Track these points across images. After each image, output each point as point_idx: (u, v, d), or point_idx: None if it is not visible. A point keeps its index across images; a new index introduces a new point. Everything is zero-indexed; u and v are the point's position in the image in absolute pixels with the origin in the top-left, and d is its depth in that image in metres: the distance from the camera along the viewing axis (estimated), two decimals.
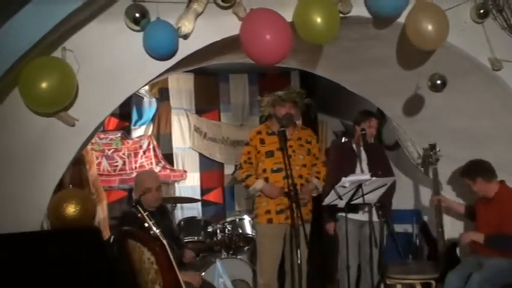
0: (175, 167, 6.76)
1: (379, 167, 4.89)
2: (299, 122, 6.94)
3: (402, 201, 6.21)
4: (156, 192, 4.24)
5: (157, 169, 6.58)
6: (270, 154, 4.67)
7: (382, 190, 4.48)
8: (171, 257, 3.06)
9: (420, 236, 6.23)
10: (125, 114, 6.55)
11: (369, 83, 5.03)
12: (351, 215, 4.89)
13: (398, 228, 6.37)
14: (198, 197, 6.78)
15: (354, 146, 5.06)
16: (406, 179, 6.28)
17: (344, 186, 4.25)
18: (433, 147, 5.00)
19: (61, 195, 3.51)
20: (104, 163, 6.34)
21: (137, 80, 3.41)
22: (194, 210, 6.71)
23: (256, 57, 3.32)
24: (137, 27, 3.25)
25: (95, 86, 3.36)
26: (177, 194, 6.72)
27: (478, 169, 4.63)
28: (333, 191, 4.31)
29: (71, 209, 3.36)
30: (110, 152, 6.41)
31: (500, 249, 4.45)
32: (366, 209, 4.83)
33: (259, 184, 4.65)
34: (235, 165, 6.63)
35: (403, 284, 4.92)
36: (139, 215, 3.17)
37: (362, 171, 4.84)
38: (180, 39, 3.33)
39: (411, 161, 5.66)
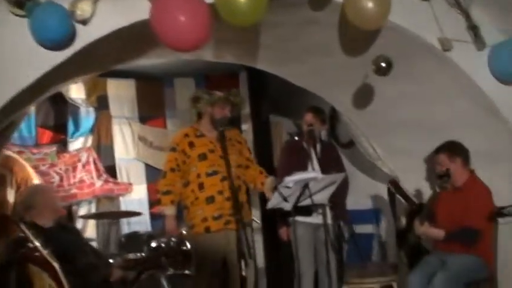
0: (119, 180, 6.31)
1: (331, 166, 4.57)
2: (248, 125, 6.65)
3: (361, 200, 5.93)
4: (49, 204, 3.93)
5: (99, 183, 6.15)
6: (202, 157, 4.27)
7: (331, 189, 4.10)
8: (63, 280, 2.61)
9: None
10: (60, 125, 6.12)
11: (313, 74, 4.67)
12: (304, 218, 4.58)
13: (359, 229, 6.06)
14: (146, 210, 6.34)
15: (305, 144, 4.70)
16: (363, 177, 5.95)
17: (288, 187, 3.86)
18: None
19: None
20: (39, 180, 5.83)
21: (28, 73, 2.94)
22: (142, 225, 6.28)
23: (170, 42, 2.91)
24: (22, 12, 2.80)
25: None
26: (123, 209, 6.28)
27: (462, 149, 4.25)
28: (276, 193, 3.91)
29: None
30: (45, 168, 5.93)
31: (460, 243, 4.11)
32: (320, 210, 4.46)
33: (169, 211, 4.26)
34: None
35: None
36: (21, 234, 2.72)
37: (314, 170, 4.48)
38: (79, 26, 2.89)
39: (367, 158, 5.32)
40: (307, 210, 4.39)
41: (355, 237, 5.95)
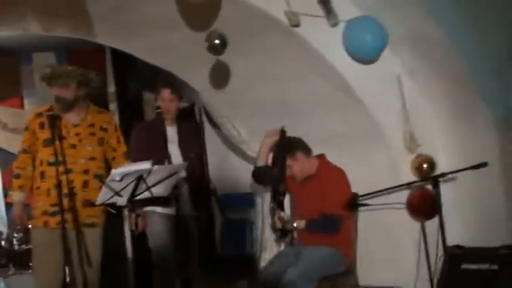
0: None
1: (192, 149, 4.13)
2: (114, 105, 6.09)
3: (237, 184, 5.57)
4: None
5: None
6: (48, 142, 3.75)
7: (173, 180, 3.65)
8: None
9: None
10: None
11: (161, 50, 4.22)
12: (159, 209, 4.12)
13: (235, 215, 5.73)
14: (1, 199, 5.71)
15: (168, 126, 4.15)
16: (238, 159, 5.59)
17: (116, 180, 3.39)
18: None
19: None
20: None
21: None
22: None
23: None
24: None
25: None
26: None
27: (295, 142, 3.91)
28: (104, 187, 3.43)
29: None
30: None
31: (323, 232, 3.82)
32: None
33: (15, 197, 3.82)
34: None
35: None
36: None
37: (169, 154, 4.00)
38: None
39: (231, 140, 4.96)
40: (162, 200, 3.95)
41: (229, 224, 5.66)
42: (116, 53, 5.92)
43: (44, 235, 3.75)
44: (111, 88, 5.94)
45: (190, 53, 4.13)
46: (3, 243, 4.65)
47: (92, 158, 3.84)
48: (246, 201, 5.65)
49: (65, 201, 3.60)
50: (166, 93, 4.16)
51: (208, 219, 5.95)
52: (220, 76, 4.24)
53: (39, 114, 3.88)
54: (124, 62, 5.91)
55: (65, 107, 3.80)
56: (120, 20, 3.85)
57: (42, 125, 3.82)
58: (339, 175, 3.90)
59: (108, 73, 6.01)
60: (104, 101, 6.13)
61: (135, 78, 6.07)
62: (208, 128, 5.75)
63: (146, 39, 4.08)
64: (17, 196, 3.81)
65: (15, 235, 4.64)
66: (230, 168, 5.51)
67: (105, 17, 3.79)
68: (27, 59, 6.00)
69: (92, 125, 3.90)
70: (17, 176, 3.83)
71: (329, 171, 3.91)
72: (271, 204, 4.07)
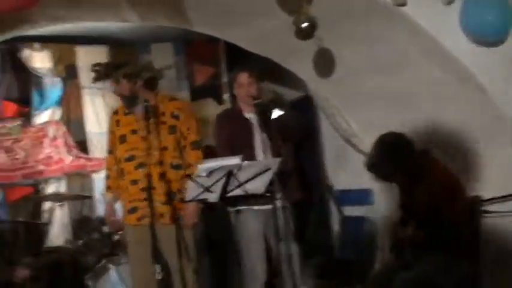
0: (91, 155, 5.85)
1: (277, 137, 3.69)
2: (227, 96, 5.94)
3: (356, 179, 5.21)
4: None
5: (68, 159, 5.69)
6: (122, 139, 3.70)
7: (268, 175, 3.37)
8: None
9: None
10: (25, 98, 5.66)
11: (263, 38, 3.99)
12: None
13: (353, 212, 5.40)
14: None
15: (247, 114, 3.78)
16: (355, 152, 5.20)
17: (205, 176, 3.22)
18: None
19: None
20: (3, 157, 5.49)
21: None
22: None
23: None
24: None
25: None
26: (97, 186, 5.82)
27: (408, 150, 3.31)
28: (191, 183, 3.27)
29: None
30: (9, 143, 5.54)
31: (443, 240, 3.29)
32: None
33: (106, 197, 3.84)
34: None
35: None
36: None
37: (262, 145, 3.70)
38: None
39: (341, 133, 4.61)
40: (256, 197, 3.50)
41: (346, 222, 5.37)
42: (229, 43, 5.84)
43: (131, 232, 3.73)
44: (225, 78, 5.89)
45: (291, 40, 3.82)
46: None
47: (164, 148, 3.61)
48: (365, 197, 5.29)
49: (143, 196, 3.51)
50: (244, 77, 3.76)
51: (322, 217, 5.69)
52: (324, 64, 3.90)
53: (115, 113, 3.82)
54: (237, 53, 5.79)
55: (128, 103, 3.65)
56: (214, 7, 3.68)
57: (117, 123, 3.75)
58: (448, 175, 3.38)
59: (222, 64, 5.96)
60: (217, 91, 6.15)
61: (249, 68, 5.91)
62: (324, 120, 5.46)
63: (243, 27, 3.88)
64: (107, 197, 3.82)
65: None
66: (347, 162, 5.16)
67: (198, 5, 3.64)
68: (145, 49, 6.08)
69: (162, 114, 3.68)
70: (107, 177, 3.83)
71: (435, 172, 3.40)
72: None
